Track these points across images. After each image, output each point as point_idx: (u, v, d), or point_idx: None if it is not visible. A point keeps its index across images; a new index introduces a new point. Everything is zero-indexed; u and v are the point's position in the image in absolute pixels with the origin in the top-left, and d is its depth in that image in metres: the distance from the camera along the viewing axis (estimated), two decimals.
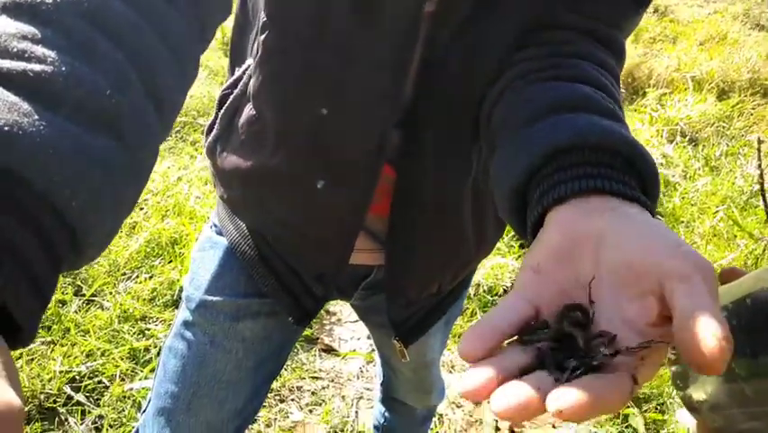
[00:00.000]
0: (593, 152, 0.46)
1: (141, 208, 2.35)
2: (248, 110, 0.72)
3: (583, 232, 0.40)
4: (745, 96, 4.34)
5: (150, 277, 2.02)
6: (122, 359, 1.70)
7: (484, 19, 0.61)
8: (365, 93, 0.64)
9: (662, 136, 3.64)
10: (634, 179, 0.46)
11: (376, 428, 1.34)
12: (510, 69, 0.60)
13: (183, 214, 2.38)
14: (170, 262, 2.09)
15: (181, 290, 1.97)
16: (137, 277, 2.02)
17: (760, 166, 1.82)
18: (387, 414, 1.29)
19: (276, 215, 0.75)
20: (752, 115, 4.17)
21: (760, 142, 1.84)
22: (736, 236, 2.43)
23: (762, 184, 1.84)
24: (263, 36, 0.65)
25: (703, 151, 3.51)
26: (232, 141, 0.75)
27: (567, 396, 0.31)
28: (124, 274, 2.01)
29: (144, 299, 1.93)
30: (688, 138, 3.62)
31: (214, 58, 3.89)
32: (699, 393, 0.43)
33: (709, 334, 0.31)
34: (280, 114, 0.68)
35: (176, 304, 1.94)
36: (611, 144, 0.46)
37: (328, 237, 0.74)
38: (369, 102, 0.64)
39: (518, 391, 0.32)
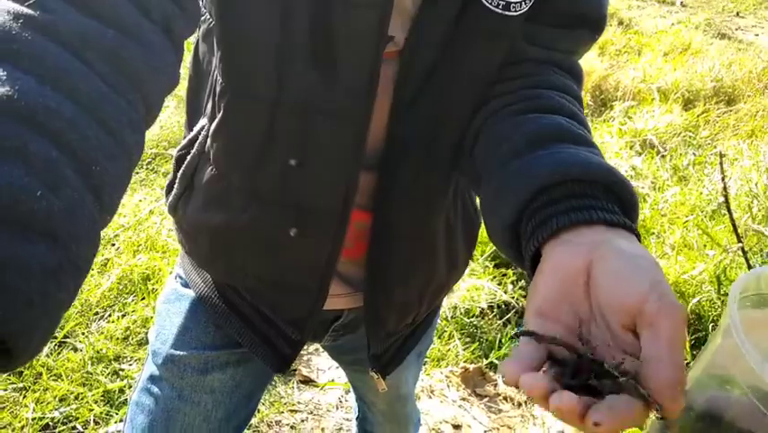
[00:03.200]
0: (576, 184, 0.51)
1: (113, 244, 2.32)
2: (208, 169, 0.72)
3: (574, 271, 0.45)
4: (710, 104, 4.45)
5: (123, 315, 1.99)
6: (96, 402, 1.67)
7: (451, 61, 0.63)
8: (330, 143, 0.64)
9: (630, 148, 3.71)
10: (614, 203, 0.50)
11: None
12: (486, 105, 0.65)
13: (155, 249, 2.35)
14: (143, 299, 2.06)
15: None
16: (110, 316, 1.99)
17: (723, 179, 1.86)
18: None
19: (247, 268, 0.75)
20: (717, 123, 4.26)
21: (722, 156, 1.88)
22: (705, 246, 2.47)
23: (726, 196, 1.89)
24: (223, 102, 0.65)
25: (671, 161, 3.57)
26: (194, 199, 0.75)
27: (604, 411, 0.35)
28: (97, 314, 1.98)
29: (118, 339, 1.90)
30: (656, 149, 3.69)
31: (183, 86, 3.88)
32: None
33: (663, 384, 0.35)
34: (247, 173, 0.69)
35: None
36: (592, 176, 0.50)
37: (302, 285, 0.74)
38: (334, 152, 0.65)
39: (570, 398, 0.36)
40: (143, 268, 2.18)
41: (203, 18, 0.70)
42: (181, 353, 0.80)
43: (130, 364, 1.82)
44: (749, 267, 2.03)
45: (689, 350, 2.00)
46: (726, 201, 1.77)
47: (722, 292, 2.11)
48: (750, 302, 0.55)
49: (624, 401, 0.35)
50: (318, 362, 1.91)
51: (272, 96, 0.63)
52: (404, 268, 0.77)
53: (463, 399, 1.82)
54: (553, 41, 0.66)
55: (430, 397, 1.79)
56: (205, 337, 0.81)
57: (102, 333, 1.90)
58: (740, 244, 1.91)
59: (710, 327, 2.07)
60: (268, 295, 0.78)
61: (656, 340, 0.37)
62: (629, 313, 0.39)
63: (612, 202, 0.50)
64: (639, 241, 0.47)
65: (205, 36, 0.72)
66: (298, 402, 1.75)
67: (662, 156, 3.68)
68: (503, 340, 2.06)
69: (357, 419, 1.27)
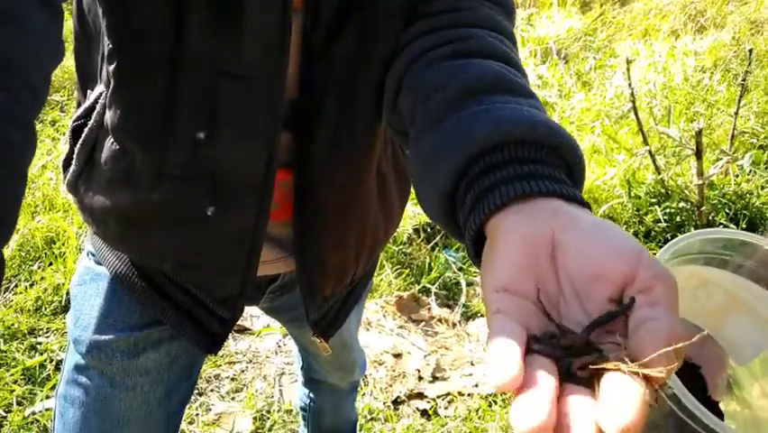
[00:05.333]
0: (518, 147, 0.44)
1: None
2: (109, 144, 0.63)
3: (537, 241, 0.39)
4: (605, 5, 4.54)
5: (31, 285, 1.85)
6: (15, 382, 1.56)
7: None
8: (242, 106, 0.57)
9: (535, 56, 3.74)
10: (560, 167, 0.45)
11: (303, 409, 1.32)
12: (407, 48, 0.57)
13: (56, 207, 2.17)
14: (50, 264, 1.91)
15: (69, 294, 1.82)
16: (16, 287, 1.84)
17: (630, 86, 1.91)
18: (312, 395, 1.27)
19: (165, 252, 0.68)
20: (612, 24, 4.37)
21: (629, 61, 1.92)
22: (613, 150, 2.57)
23: (633, 102, 1.94)
24: (112, 66, 0.56)
25: (574, 67, 3.65)
26: (96, 177, 0.66)
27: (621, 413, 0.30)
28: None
29: (29, 311, 1.77)
30: (561, 55, 3.74)
31: (68, 26, 3.51)
32: None
33: (660, 343, 0.32)
34: (151, 146, 0.60)
35: (65, 310, 1.79)
36: (535, 138, 0.44)
37: (228, 265, 0.68)
38: (248, 119, 0.58)
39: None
40: (45, 231, 2.02)
41: None
42: (106, 337, 0.73)
43: (47, 337, 1.71)
44: (656, 168, 2.13)
45: None
46: (634, 108, 1.82)
47: (632, 195, 2.22)
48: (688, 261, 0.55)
49: (628, 387, 0.31)
50: (251, 309, 1.86)
51: (169, 58, 0.55)
52: (335, 227, 0.71)
53: (400, 327, 1.85)
54: None
55: (368, 330, 1.80)
56: (130, 318, 0.74)
57: (10, 306, 1.76)
58: (647, 147, 1.98)
59: (623, 228, 2.18)
60: (192, 276, 0.71)
61: (654, 304, 0.34)
62: (615, 282, 0.36)
63: (559, 167, 0.45)
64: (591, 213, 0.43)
65: None
66: (236, 353, 1.71)
67: (566, 62, 3.74)
68: (432, 264, 2.09)
69: (302, 368, 1.25)
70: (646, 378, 0.31)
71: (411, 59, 0.56)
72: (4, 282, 1.85)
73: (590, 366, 0.33)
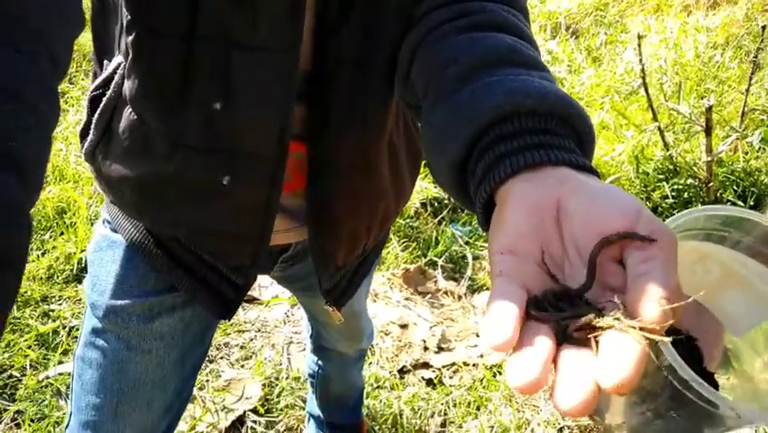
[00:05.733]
0: (529, 118, 0.45)
1: None
2: (127, 114, 0.64)
3: (542, 206, 0.40)
4: None
5: (43, 253, 1.88)
6: (29, 348, 1.59)
7: None
8: (257, 76, 0.58)
9: (545, 32, 3.70)
10: (571, 138, 0.46)
11: (311, 375, 1.35)
12: (423, 19, 0.58)
13: (66, 178, 2.19)
14: (62, 234, 1.94)
15: (80, 262, 1.85)
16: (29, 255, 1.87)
17: (641, 62, 1.89)
18: (320, 362, 1.30)
19: (181, 220, 0.69)
20: (624, 0, 4.30)
21: (640, 37, 1.90)
22: (622, 126, 2.56)
23: (643, 78, 1.92)
24: (130, 38, 0.57)
25: (584, 42, 3.61)
26: (113, 147, 0.67)
27: (615, 370, 0.31)
28: None
29: (41, 279, 1.80)
30: (571, 31, 3.70)
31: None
32: (615, 419, 0.47)
33: (654, 296, 0.33)
34: (168, 117, 0.61)
35: (77, 279, 1.82)
36: (546, 109, 0.45)
37: (243, 232, 0.69)
38: (263, 85, 0.59)
39: (581, 388, 0.31)
40: (56, 201, 2.04)
41: None
42: (123, 302, 0.75)
43: (59, 304, 1.74)
44: (665, 145, 2.12)
45: None
46: (644, 84, 1.81)
47: (640, 171, 2.22)
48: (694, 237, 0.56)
49: (624, 345, 0.32)
50: (260, 279, 1.89)
51: (185, 30, 0.56)
52: (347, 198, 0.73)
53: (407, 298, 1.87)
54: None
55: (375, 301, 1.83)
56: (146, 283, 0.76)
57: (24, 274, 1.79)
58: (657, 124, 1.98)
59: None
60: (206, 244, 0.73)
61: (649, 259, 0.35)
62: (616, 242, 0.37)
63: (569, 137, 0.45)
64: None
65: None
66: (245, 322, 1.74)
67: (576, 37, 3.70)
68: (439, 238, 2.10)
69: (311, 336, 1.27)
70: (643, 332, 0.32)
71: (427, 31, 0.57)
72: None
73: (585, 326, 0.34)
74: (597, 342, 0.33)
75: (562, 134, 0.45)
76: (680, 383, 0.42)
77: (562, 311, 0.36)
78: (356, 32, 0.60)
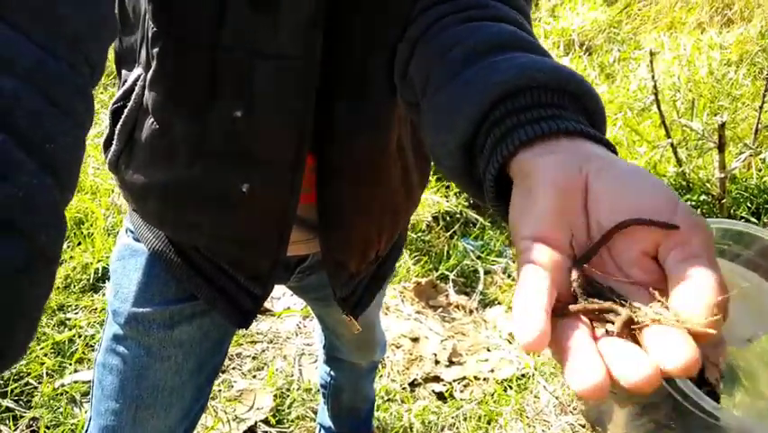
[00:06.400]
0: (542, 92, 0.44)
1: None
2: (149, 124, 0.66)
3: (571, 188, 0.38)
4: None
5: (61, 263, 1.90)
6: (46, 355, 1.62)
7: None
8: (277, 83, 0.60)
9: (558, 48, 3.73)
10: (582, 116, 0.44)
11: (323, 386, 1.36)
12: (424, 14, 0.58)
13: (84, 190, 2.23)
14: (79, 244, 1.97)
15: (96, 272, 1.88)
16: None
17: (653, 78, 1.90)
18: (332, 373, 1.31)
19: (201, 227, 0.71)
20: (638, 17, 4.32)
21: (652, 54, 1.91)
22: (635, 143, 2.56)
23: (656, 95, 1.93)
24: (156, 49, 0.59)
25: (597, 59, 3.62)
26: (136, 156, 0.69)
27: (676, 356, 0.30)
28: None
29: (58, 288, 1.83)
30: (585, 48, 3.72)
31: None
32: (616, 431, 0.48)
33: (706, 303, 0.32)
34: (190, 127, 0.63)
35: (93, 288, 1.85)
36: (559, 84, 0.44)
37: (261, 240, 0.71)
38: (282, 92, 0.61)
39: (644, 367, 0.31)
40: (74, 212, 2.08)
41: None
42: (144, 310, 0.77)
43: (76, 313, 1.77)
44: (678, 161, 2.12)
45: None
46: (657, 100, 1.82)
47: None
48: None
49: (674, 339, 0.31)
50: (273, 291, 1.90)
51: (211, 41, 0.58)
52: (357, 204, 0.74)
53: (418, 312, 1.88)
54: None
55: (386, 314, 1.84)
56: (167, 292, 0.78)
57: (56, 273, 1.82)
58: (669, 140, 1.98)
59: None
60: (226, 252, 0.75)
61: (694, 257, 0.33)
62: (649, 237, 0.35)
63: (581, 115, 0.44)
64: None
65: None
66: (257, 333, 1.75)
67: (590, 54, 3.72)
68: (450, 252, 2.11)
69: (324, 347, 1.28)
70: (692, 334, 0.31)
71: (426, 27, 0.56)
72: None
73: (633, 326, 0.33)
74: (638, 336, 0.33)
75: (573, 110, 0.44)
76: (679, 394, 0.43)
77: (594, 303, 0.35)
78: (360, 30, 0.61)
